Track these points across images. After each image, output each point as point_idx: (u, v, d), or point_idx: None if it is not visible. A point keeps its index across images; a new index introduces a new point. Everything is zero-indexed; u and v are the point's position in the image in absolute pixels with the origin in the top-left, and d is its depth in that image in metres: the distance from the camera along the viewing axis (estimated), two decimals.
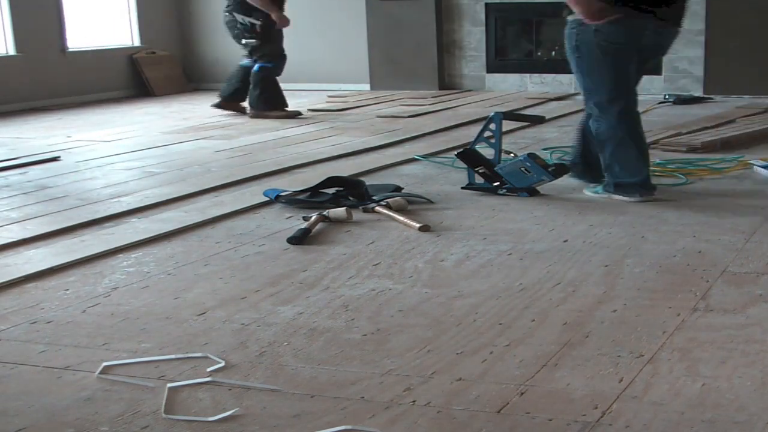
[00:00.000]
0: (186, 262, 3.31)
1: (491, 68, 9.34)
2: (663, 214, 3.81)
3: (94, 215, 4.05)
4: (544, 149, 5.32)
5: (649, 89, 8.69)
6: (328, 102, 8.64)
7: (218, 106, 7.86)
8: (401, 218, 3.77)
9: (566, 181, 4.39)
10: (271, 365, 2.33)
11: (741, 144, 5.42)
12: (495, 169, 4.29)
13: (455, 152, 4.56)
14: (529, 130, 6.23)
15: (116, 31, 9.98)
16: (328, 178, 4.33)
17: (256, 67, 7.54)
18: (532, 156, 4.27)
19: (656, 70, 8.70)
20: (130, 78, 9.92)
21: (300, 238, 3.52)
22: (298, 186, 4.41)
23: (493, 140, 4.53)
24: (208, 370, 2.30)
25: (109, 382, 2.25)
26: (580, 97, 8.43)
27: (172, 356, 2.40)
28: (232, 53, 10.29)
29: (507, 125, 5.25)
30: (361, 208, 3.99)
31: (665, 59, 8.62)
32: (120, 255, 3.43)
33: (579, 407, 2.02)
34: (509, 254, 3.29)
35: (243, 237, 3.65)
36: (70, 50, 9.28)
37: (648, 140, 5.57)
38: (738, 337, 2.41)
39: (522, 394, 2.11)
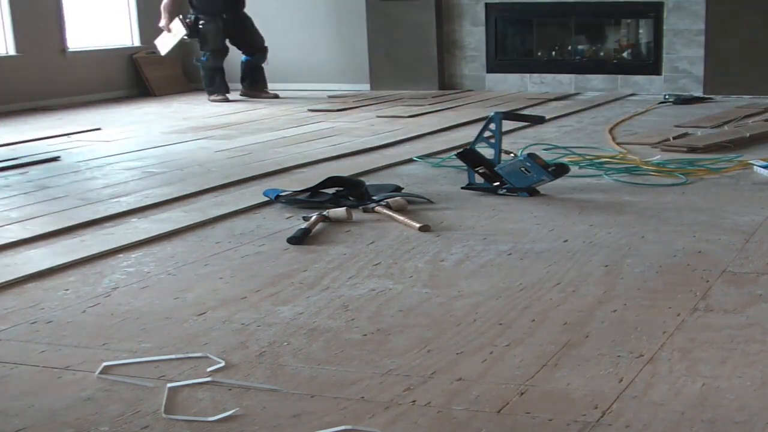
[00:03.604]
0: (186, 262, 3.31)
1: (491, 68, 9.34)
2: (663, 214, 3.81)
3: (94, 215, 4.05)
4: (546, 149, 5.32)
5: (649, 89, 8.71)
6: (328, 102, 8.64)
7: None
8: (401, 218, 3.77)
9: (566, 181, 4.39)
10: (271, 365, 2.33)
11: (741, 144, 5.42)
12: (495, 169, 4.29)
13: (455, 152, 4.56)
14: (529, 130, 6.23)
15: (116, 31, 9.98)
16: (328, 178, 4.33)
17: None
18: (532, 156, 4.27)
19: (656, 70, 8.72)
20: (130, 78, 9.92)
21: (300, 238, 3.52)
22: (298, 186, 4.41)
23: (493, 140, 4.53)
24: (208, 370, 2.30)
25: (109, 382, 2.25)
26: (581, 97, 8.51)
27: (172, 356, 2.40)
28: (231, 53, 10.30)
29: (507, 125, 5.25)
30: (361, 208, 3.99)
31: (665, 59, 8.64)
32: (120, 255, 3.43)
33: (579, 407, 2.02)
34: (509, 254, 3.29)
35: (243, 237, 3.65)
36: (70, 50, 9.27)
37: (650, 140, 5.60)
38: (738, 337, 2.41)
39: (522, 394, 2.11)
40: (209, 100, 9.05)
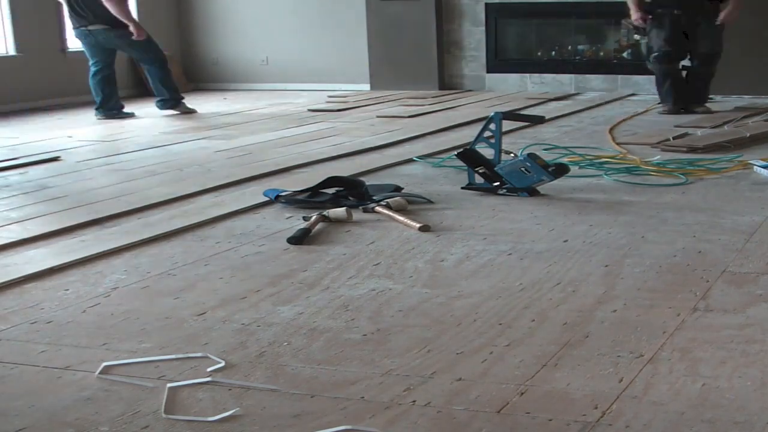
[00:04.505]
0: (186, 262, 3.31)
1: (491, 68, 9.34)
2: (663, 214, 3.81)
3: (94, 215, 4.05)
4: (545, 149, 5.32)
5: (649, 89, 8.69)
6: (328, 102, 8.64)
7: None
8: (401, 218, 3.77)
9: (566, 181, 4.39)
10: (271, 365, 2.33)
11: (741, 144, 5.42)
12: (495, 169, 4.29)
13: (455, 152, 4.56)
14: (529, 130, 6.23)
15: None
16: (328, 178, 4.33)
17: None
18: (532, 156, 4.27)
19: None
20: (130, 78, 9.92)
21: (300, 238, 3.52)
22: (298, 186, 4.41)
23: (493, 140, 4.53)
24: (208, 370, 2.30)
25: (109, 382, 2.25)
26: (581, 97, 8.51)
27: (172, 356, 2.40)
28: (231, 53, 10.35)
29: (507, 125, 5.25)
30: (361, 208, 3.99)
31: None
32: (120, 255, 3.43)
33: (579, 407, 2.02)
34: (509, 254, 3.29)
35: (243, 237, 3.65)
36: (70, 50, 9.27)
37: (650, 140, 5.60)
38: (738, 337, 2.41)
39: (522, 394, 2.11)
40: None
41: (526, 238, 3.50)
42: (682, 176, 4.55)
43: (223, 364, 2.33)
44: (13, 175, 5.23)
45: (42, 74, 8.96)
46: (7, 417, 2.08)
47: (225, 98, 9.49)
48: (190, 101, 9.23)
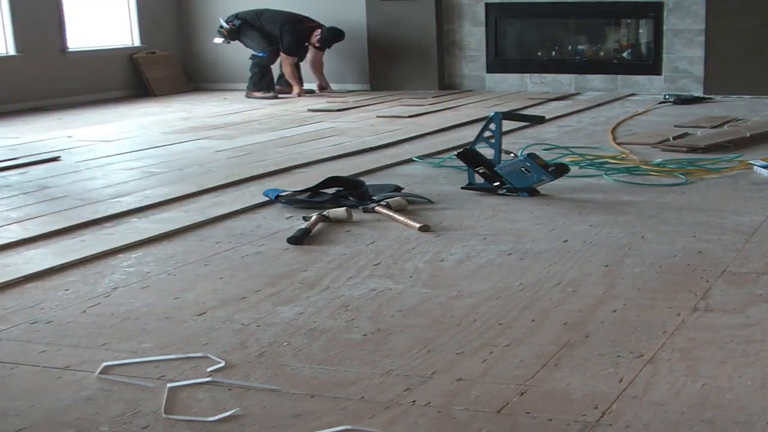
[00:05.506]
0: (186, 262, 3.31)
1: (491, 68, 9.34)
2: (663, 214, 3.81)
3: (94, 215, 4.05)
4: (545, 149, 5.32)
5: (649, 89, 8.70)
6: (328, 102, 8.64)
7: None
8: (401, 218, 3.77)
9: (566, 181, 4.39)
10: (271, 365, 2.33)
11: (741, 144, 5.42)
12: (495, 169, 4.29)
13: (455, 152, 4.57)
14: (529, 130, 6.24)
15: (116, 31, 9.98)
16: (328, 178, 4.33)
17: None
18: (532, 156, 4.27)
19: (656, 70, 8.72)
20: (130, 78, 9.92)
21: (300, 238, 3.52)
22: (298, 186, 4.41)
23: (493, 140, 4.53)
24: (208, 370, 2.30)
25: (109, 382, 2.25)
26: (581, 97, 8.50)
27: (172, 356, 2.40)
28: (231, 53, 10.33)
29: (507, 125, 5.25)
30: (361, 208, 3.99)
31: (665, 59, 8.64)
32: (120, 255, 3.43)
33: (579, 407, 2.02)
34: (509, 254, 3.29)
35: (243, 237, 3.65)
36: (70, 50, 9.27)
37: (650, 140, 5.60)
38: (738, 337, 2.41)
39: (522, 394, 2.11)
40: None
41: (526, 238, 3.50)
42: (682, 176, 4.55)
43: (223, 364, 2.33)
44: (13, 175, 5.23)
45: (42, 74, 8.96)
46: (7, 417, 2.08)
47: (225, 98, 9.49)
48: (191, 101, 9.25)
